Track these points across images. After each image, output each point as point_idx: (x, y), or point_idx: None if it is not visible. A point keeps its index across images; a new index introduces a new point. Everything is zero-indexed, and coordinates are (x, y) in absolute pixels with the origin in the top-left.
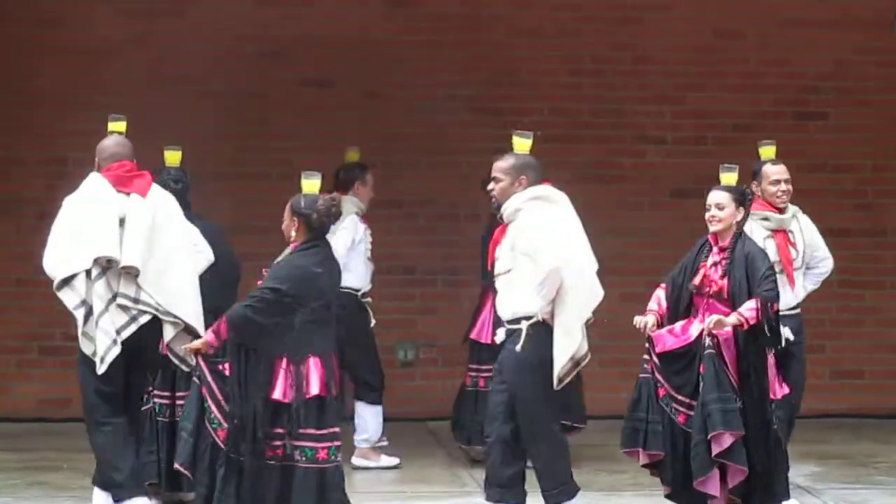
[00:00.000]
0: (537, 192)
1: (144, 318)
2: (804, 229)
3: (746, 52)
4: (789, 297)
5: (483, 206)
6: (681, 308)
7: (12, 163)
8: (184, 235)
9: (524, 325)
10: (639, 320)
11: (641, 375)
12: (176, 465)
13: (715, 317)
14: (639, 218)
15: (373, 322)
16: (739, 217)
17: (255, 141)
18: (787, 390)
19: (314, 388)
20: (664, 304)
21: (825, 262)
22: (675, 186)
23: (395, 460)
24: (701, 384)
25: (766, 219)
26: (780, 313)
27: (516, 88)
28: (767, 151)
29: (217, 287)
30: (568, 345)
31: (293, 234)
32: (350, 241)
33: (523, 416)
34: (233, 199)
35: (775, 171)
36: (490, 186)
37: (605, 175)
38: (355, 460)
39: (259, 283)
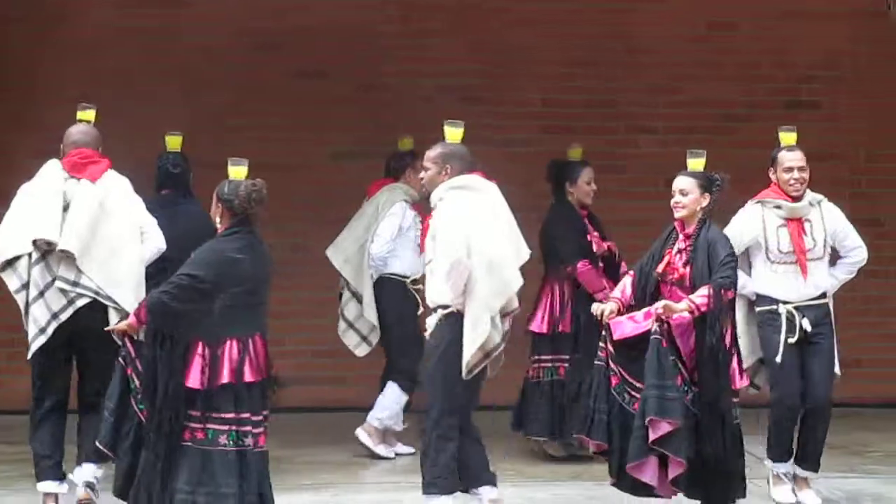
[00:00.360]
0: (460, 181)
1: (82, 302)
2: (827, 218)
3: (739, 43)
4: (802, 287)
5: None
6: (647, 295)
7: (7, 155)
8: (133, 222)
9: (438, 314)
10: (596, 308)
11: (596, 363)
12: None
13: (663, 302)
14: (632, 208)
15: (420, 310)
16: (704, 203)
17: (251, 132)
18: (745, 382)
19: (225, 375)
20: (629, 291)
21: (856, 252)
22: (668, 176)
23: (392, 453)
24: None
25: (778, 207)
26: (799, 304)
27: (510, 79)
28: (787, 138)
29: None
30: (474, 336)
31: (218, 219)
32: (397, 228)
33: (428, 404)
34: None
35: (789, 159)
36: (420, 175)
37: (599, 165)
38: (359, 431)
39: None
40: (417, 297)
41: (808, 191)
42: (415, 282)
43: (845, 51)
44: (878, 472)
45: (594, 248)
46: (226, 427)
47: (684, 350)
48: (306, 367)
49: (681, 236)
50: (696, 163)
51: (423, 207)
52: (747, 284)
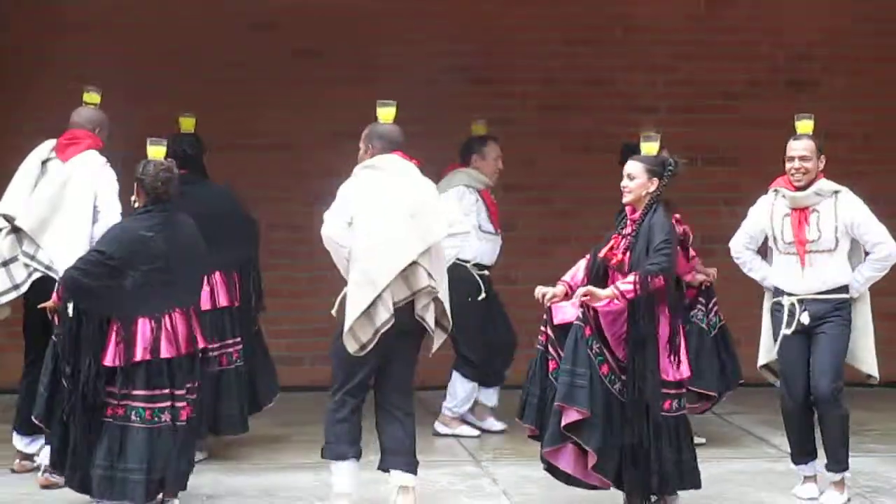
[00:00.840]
0: (371, 161)
1: (37, 275)
2: (841, 209)
3: (738, 21)
4: (802, 280)
5: None
6: (598, 279)
7: (4, 137)
8: (90, 203)
9: (344, 290)
10: (539, 291)
11: (536, 346)
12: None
13: (586, 287)
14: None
15: (482, 295)
16: (652, 188)
17: (247, 112)
18: (684, 374)
19: (139, 353)
20: (581, 275)
21: (879, 248)
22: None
23: (475, 431)
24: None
25: (784, 196)
26: (803, 297)
27: (509, 58)
28: (802, 126)
29: (232, 245)
30: (350, 312)
31: (134, 198)
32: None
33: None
34: (224, 169)
35: (791, 148)
36: None
37: (597, 144)
38: (436, 425)
39: None
40: (481, 282)
41: (823, 180)
42: (478, 266)
43: (845, 29)
44: (876, 451)
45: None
46: (140, 404)
47: (613, 338)
48: (304, 347)
49: (628, 221)
50: (649, 147)
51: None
52: (768, 276)
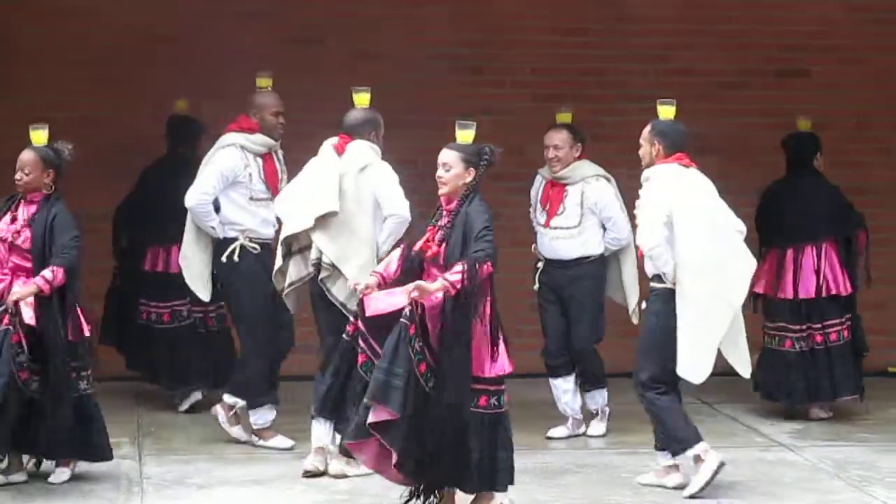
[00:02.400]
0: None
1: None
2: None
3: (731, 10)
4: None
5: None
6: (413, 271)
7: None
8: None
9: None
10: (352, 282)
11: (344, 337)
12: None
13: (415, 284)
14: (622, 176)
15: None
16: (468, 179)
17: (243, 100)
18: (505, 369)
19: (86, 329)
20: (394, 267)
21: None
22: None
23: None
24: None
25: None
26: None
27: (501, 47)
28: (662, 111)
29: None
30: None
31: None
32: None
33: None
34: None
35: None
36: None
37: (589, 133)
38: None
39: None
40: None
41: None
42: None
43: (836, 19)
44: (868, 441)
45: None
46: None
47: (433, 333)
48: (300, 337)
49: (444, 212)
50: (465, 135)
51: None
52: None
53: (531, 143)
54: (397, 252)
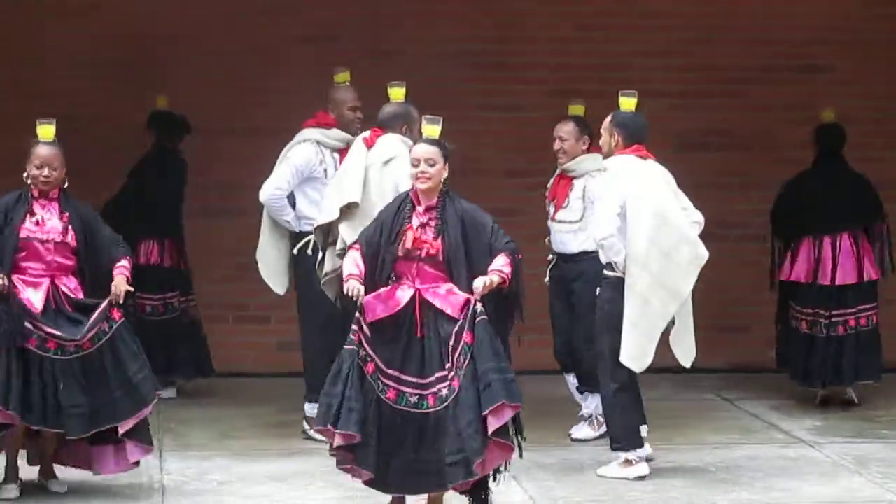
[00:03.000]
0: None
1: None
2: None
3: (753, 5)
4: None
5: (481, 160)
6: (383, 272)
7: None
8: None
9: None
10: (352, 287)
11: (347, 347)
12: None
13: (485, 278)
14: None
15: (546, 279)
16: (446, 174)
17: (257, 97)
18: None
19: None
20: (362, 267)
21: None
22: (681, 141)
23: None
24: (466, 355)
25: None
26: None
27: (522, 43)
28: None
29: None
30: None
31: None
32: None
33: None
34: (233, 154)
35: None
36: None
37: None
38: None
39: None
40: None
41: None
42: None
43: (858, 13)
44: (888, 437)
45: None
46: None
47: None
48: None
49: (420, 209)
50: (435, 130)
51: None
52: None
53: (550, 139)
54: (355, 252)
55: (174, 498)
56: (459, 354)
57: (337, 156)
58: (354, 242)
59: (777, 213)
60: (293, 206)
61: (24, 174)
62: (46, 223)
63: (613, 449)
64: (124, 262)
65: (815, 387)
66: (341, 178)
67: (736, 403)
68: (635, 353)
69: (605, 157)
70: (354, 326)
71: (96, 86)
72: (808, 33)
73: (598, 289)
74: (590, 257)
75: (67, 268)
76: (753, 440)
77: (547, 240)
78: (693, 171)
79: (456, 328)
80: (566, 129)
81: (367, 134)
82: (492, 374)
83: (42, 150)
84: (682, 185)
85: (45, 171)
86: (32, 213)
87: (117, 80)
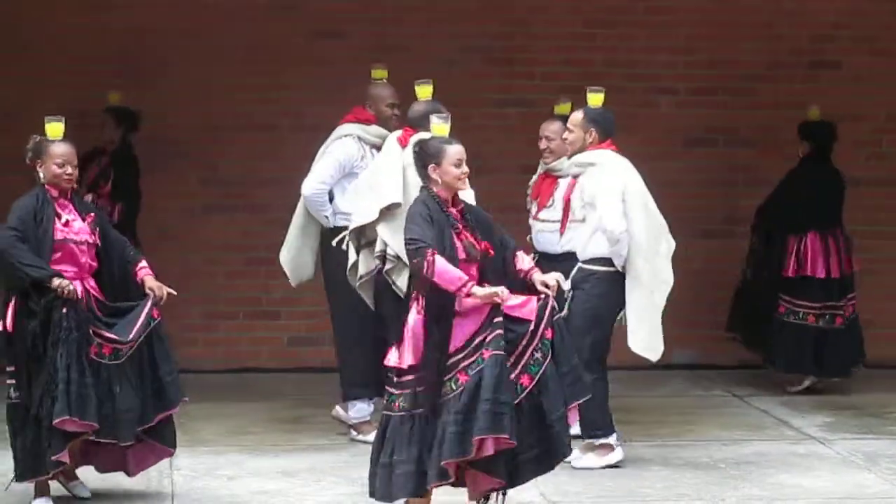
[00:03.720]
0: None
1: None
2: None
3: (760, 2)
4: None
5: (493, 157)
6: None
7: (23, 115)
8: None
9: None
10: (502, 291)
11: (496, 353)
12: None
13: (557, 274)
14: (651, 169)
15: None
16: None
17: (267, 93)
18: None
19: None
20: (475, 273)
21: None
22: (688, 137)
23: None
24: (547, 352)
25: None
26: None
27: (529, 39)
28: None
29: None
30: None
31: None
32: None
33: None
34: (244, 151)
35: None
36: None
37: (618, 126)
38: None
39: None
40: None
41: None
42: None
43: (866, 10)
44: None
45: None
46: None
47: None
48: (322, 327)
49: (454, 211)
50: (445, 128)
51: None
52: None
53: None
54: (442, 259)
55: (185, 493)
56: (535, 350)
57: (376, 152)
58: (429, 246)
59: (767, 210)
60: (330, 200)
61: (39, 175)
62: (73, 224)
63: (592, 437)
64: (145, 264)
65: (804, 374)
66: (377, 179)
67: (746, 400)
68: (653, 343)
69: (576, 153)
70: (500, 330)
71: (98, 81)
72: (817, 29)
73: (572, 281)
74: (574, 258)
75: (92, 269)
76: (763, 436)
77: (529, 238)
78: (700, 167)
79: (532, 326)
80: (553, 129)
81: (399, 133)
82: (578, 371)
83: (61, 149)
84: (687, 182)
85: (69, 170)
86: (59, 215)
87: (126, 76)
